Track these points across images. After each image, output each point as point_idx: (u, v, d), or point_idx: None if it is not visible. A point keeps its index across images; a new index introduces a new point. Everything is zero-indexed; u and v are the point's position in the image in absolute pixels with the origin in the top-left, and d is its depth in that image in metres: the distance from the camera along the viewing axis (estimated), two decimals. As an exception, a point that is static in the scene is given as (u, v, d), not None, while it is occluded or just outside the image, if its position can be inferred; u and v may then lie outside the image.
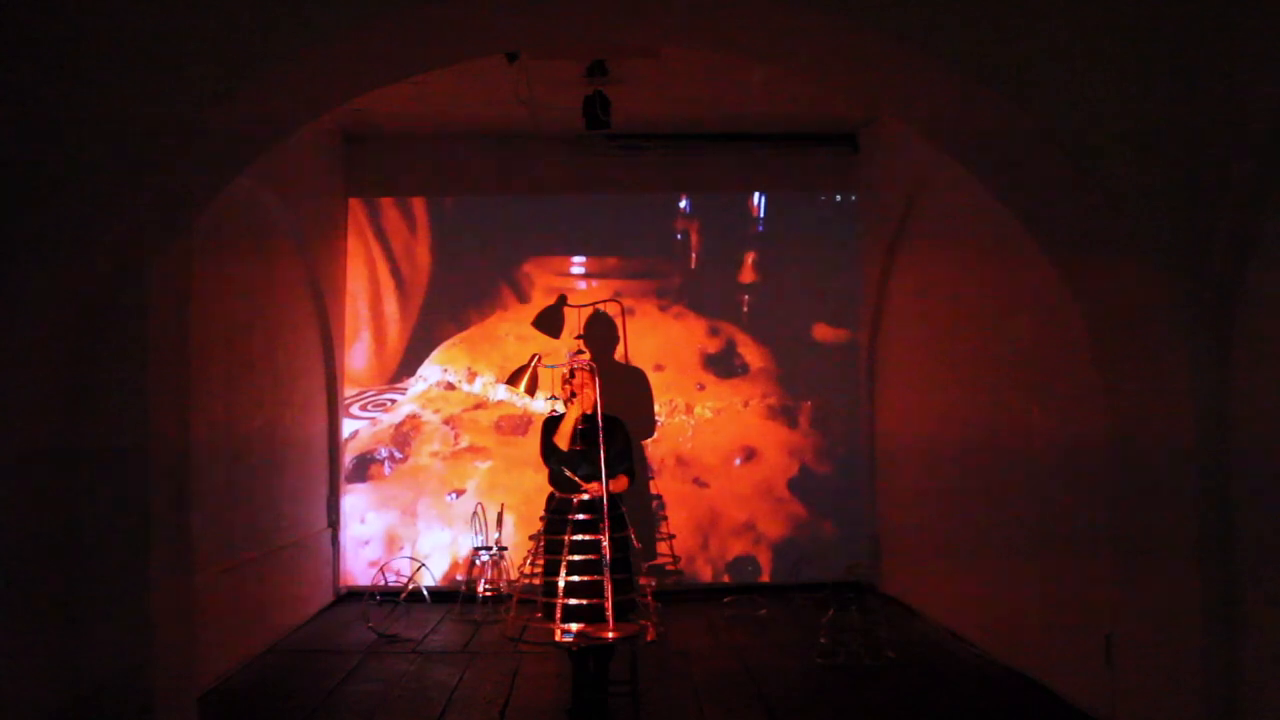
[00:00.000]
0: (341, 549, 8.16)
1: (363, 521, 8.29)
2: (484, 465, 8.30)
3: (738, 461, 8.44)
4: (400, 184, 8.46)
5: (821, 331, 8.57)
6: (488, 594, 7.57)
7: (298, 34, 3.69)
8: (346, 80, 4.35)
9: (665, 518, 7.00)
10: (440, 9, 3.82)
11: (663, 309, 8.51)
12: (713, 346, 8.50)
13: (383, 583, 7.87)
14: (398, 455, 8.36)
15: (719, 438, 8.43)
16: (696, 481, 8.35)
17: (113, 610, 4.10)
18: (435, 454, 8.35)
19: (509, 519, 7.96)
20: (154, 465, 4.19)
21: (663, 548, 7.06)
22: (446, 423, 8.39)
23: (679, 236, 8.57)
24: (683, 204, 8.59)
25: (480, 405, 8.42)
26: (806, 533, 8.36)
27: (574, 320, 6.09)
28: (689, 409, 8.43)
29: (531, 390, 5.46)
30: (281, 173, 6.73)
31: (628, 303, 7.94)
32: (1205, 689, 3.79)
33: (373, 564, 8.14)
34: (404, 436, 8.38)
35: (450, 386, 8.42)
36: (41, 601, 3.92)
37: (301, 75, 3.95)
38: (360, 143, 8.32)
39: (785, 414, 8.48)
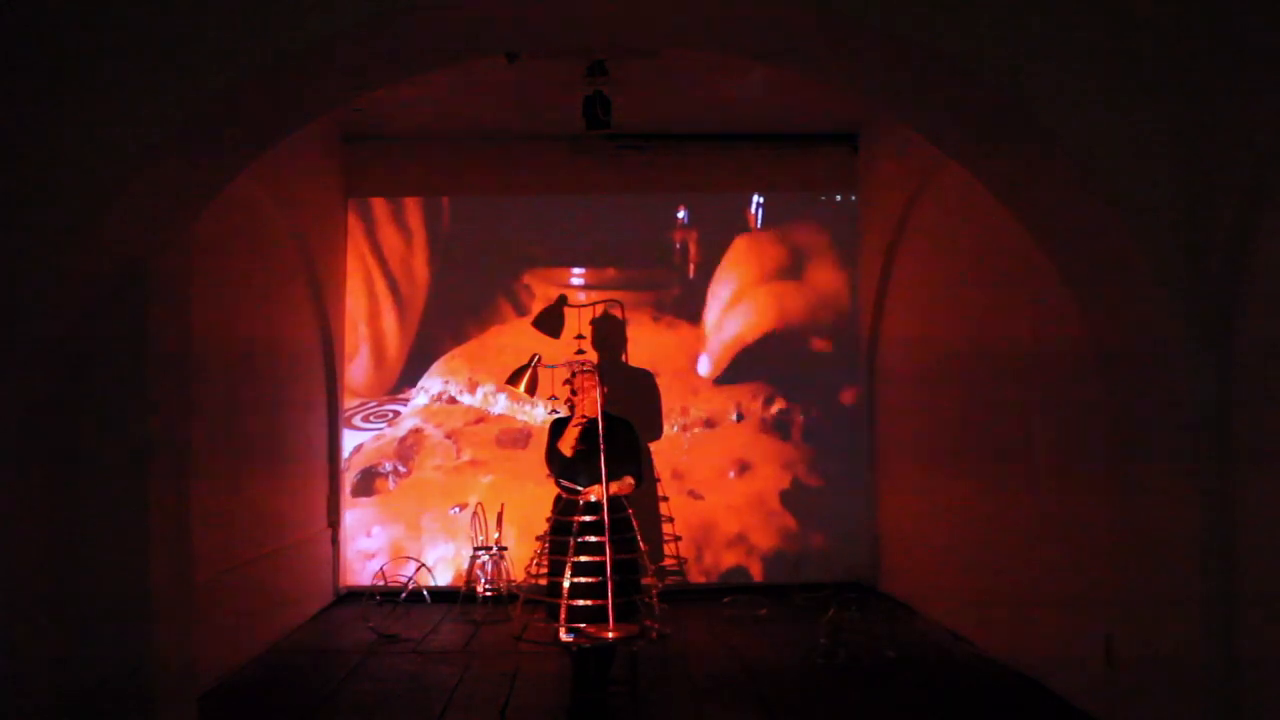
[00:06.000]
0: (341, 549, 8.16)
1: (369, 535, 8.28)
2: (486, 479, 8.29)
3: (732, 474, 8.44)
4: (399, 185, 8.44)
5: (819, 340, 8.55)
6: (488, 594, 7.57)
7: (298, 34, 3.70)
8: (346, 80, 4.36)
9: (671, 519, 7.00)
10: (440, 9, 3.83)
11: (659, 320, 8.48)
12: (709, 358, 8.49)
13: (383, 583, 7.86)
14: (401, 469, 8.36)
15: (714, 450, 8.43)
16: (692, 494, 8.34)
17: (113, 610, 4.10)
18: (438, 468, 8.35)
19: (510, 529, 7.94)
20: (154, 465, 4.20)
21: (669, 549, 7.06)
22: (449, 436, 8.38)
23: (678, 246, 8.55)
24: (680, 214, 8.58)
25: (482, 419, 8.41)
26: (797, 545, 8.38)
27: (574, 321, 6.09)
28: (684, 422, 8.42)
29: (531, 390, 5.46)
30: (281, 173, 6.73)
31: (627, 316, 7.93)
32: (1205, 689, 3.80)
33: (376, 577, 8.08)
34: (408, 450, 8.37)
35: (452, 400, 8.41)
36: (41, 601, 3.92)
37: (301, 75, 3.96)
38: (360, 143, 8.32)
39: (779, 427, 8.48)
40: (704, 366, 8.47)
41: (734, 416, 8.44)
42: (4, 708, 3.71)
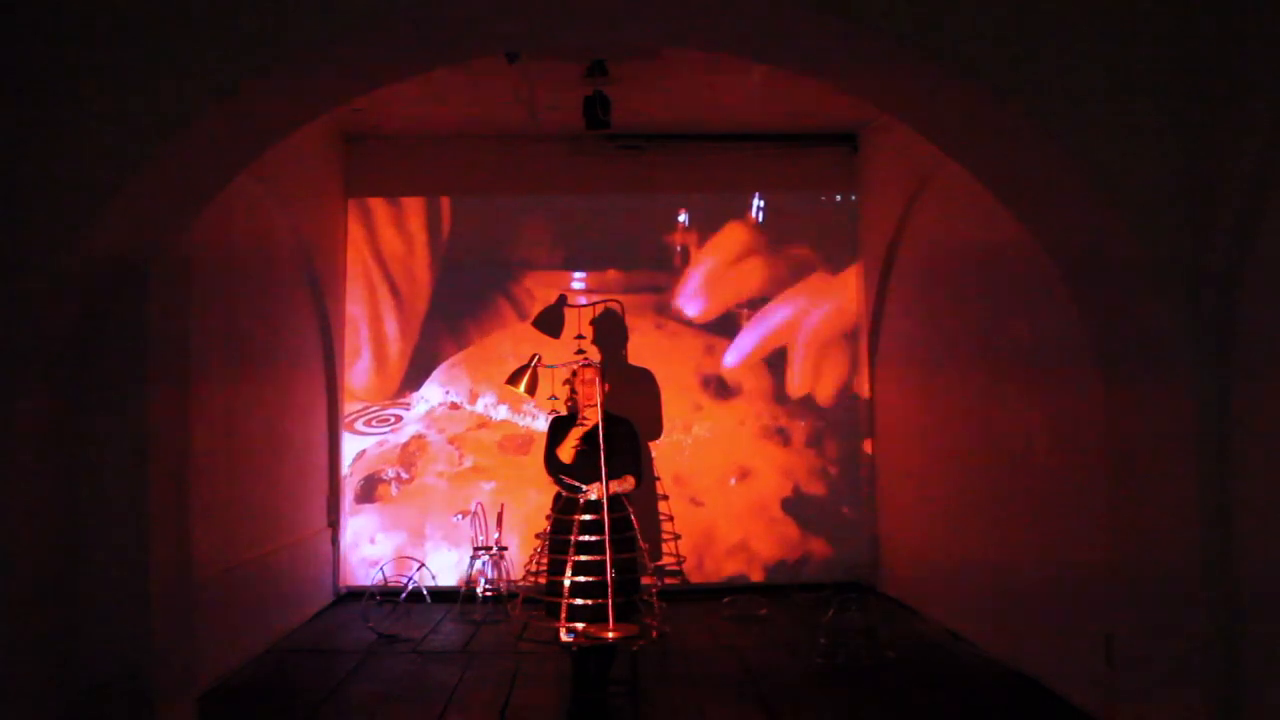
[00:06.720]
0: (341, 549, 8.15)
1: (372, 542, 8.26)
2: (489, 486, 8.25)
3: (733, 481, 8.43)
4: (400, 184, 8.43)
5: (819, 341, 8.53)
6: (488, 594, 7.57)
7: (298, 34, 3.70)
8: (347, 80, 4.36)
9: (671, 518, 7.00)
10: (440, 9, 3.83)
11: (660, 326, 8.46)
12: (710, 365, 8.47)
13: (383, 582, 7.86)
14: (404, 476, 8.34)
15: (715, 457, 8.41)
16: (693, 500, 8.32)
17: (113, 610, 4.11)
18: (441, 474, 8.32)
19: (511, 534, 7.92)
20: (154, 465, 4.20)
21: (668, 548, 7.06)
22: (451, 443, 8.36)
23: (678, 248, 8.55)
24: (681, 218, 8.57)
25: (484, 425, 8.38)
26: (798, 552, 8.37)
27: (574, 321, 6.08)
28: (686, 428, 8.40)
29: (531, 390, 5.44)
30: (281, 173, 6.73)
31: (627, 320, 7.92)
32: (1205, 689, 3.80)
33: (378, 583, 8.05)
34: (410, 457, 8.34)
35: (455, 406, 8.40)
36: (41, 601, 3.92)
37: (301, 75, 3.96)
38: (360, 143, 8.31)
39: (779, 433, 8.46)
40: (729, 358, 8.47)
41: (733, 422, 8.43)
42: (4, 708, 3.71)
